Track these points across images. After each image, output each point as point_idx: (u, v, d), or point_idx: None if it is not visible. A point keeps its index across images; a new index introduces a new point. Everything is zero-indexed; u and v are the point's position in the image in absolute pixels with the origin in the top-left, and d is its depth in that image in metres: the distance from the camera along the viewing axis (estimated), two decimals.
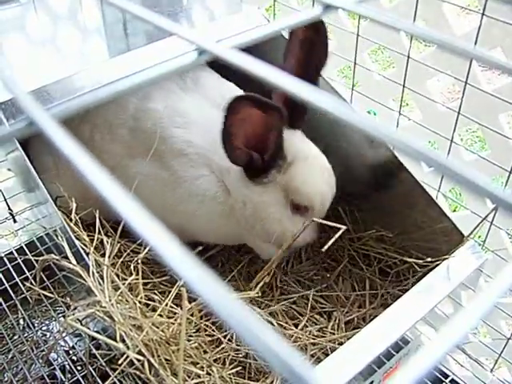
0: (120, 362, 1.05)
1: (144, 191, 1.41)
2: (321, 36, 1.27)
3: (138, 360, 1.02)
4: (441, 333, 0.27)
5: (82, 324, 1.22)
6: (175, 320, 1.18)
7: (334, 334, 1.38)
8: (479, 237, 1.56)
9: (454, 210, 2.34)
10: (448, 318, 1.43)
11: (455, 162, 0.31)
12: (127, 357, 1.03)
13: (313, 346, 1.32)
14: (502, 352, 1.42)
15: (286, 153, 1.29)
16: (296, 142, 1.33)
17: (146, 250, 1.29)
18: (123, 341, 1.05)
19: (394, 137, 0.33)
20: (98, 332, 1.11)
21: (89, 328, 1.16)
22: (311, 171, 1.32)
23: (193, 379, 1.13)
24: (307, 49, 1.29)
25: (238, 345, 1.30)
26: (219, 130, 1.15)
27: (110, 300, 1.10)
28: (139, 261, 1.28)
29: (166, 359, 1.08)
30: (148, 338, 1.08)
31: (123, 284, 1.17)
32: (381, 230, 1.53)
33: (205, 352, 1.24)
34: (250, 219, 1.36)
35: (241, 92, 1.43)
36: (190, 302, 1.13)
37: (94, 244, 1.25)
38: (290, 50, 1.31)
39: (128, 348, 1.03)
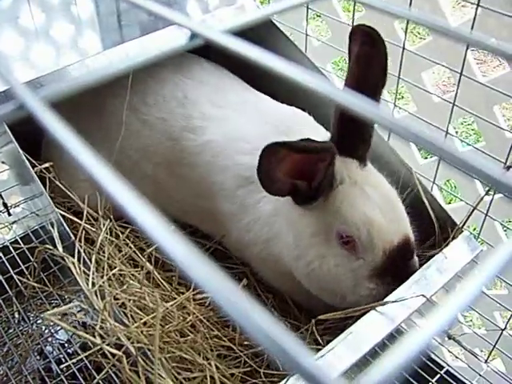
0: (88, 353, 1.05)
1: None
2: (377, 49, 1.15)
3: (113, 355, 1.02)
4: (428, 317, 0.27)
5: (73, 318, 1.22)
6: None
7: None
8: (474, 229, 1.56)
9: (449, 202, 2.35)
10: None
11: (452, 145, 0.31)
12: (100, 348, 1.04)
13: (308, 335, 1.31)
14: (496, 343, 1.42)
15: (336, 178, 1.17)
16: (347, 167, 1.20)
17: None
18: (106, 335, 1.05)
19: (392, 121, 0.33)
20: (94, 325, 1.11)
21: (78, 322, 1.16)
22: (360, 194, 1.17)
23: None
24: (363, 66, 1.17)
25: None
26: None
27: (94, 286, 1.10)
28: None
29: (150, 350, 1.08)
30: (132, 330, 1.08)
31: (110, 273, 1.18)
32: None
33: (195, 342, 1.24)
34: (293, 249, 1.24)
35: (299, 117, 1.40)
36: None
37: (80, 234, 1.25)
38: (349, 68, 1.20)
39: (103, 340, 1.03)
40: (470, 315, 2.08)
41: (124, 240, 1.35)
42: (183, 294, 1.24)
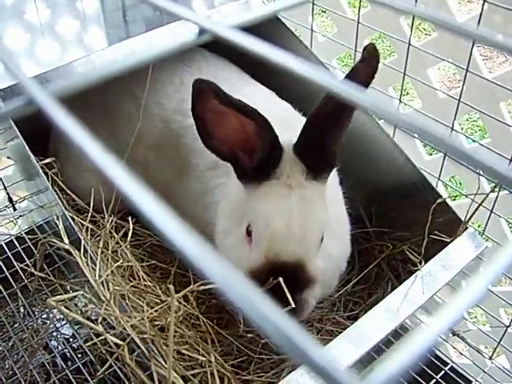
0: (92, 342, 1.06)
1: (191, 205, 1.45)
2: (371, 68, 1.14)
3: (117, 345, 1.03)
4: (435, 315, 0.27)
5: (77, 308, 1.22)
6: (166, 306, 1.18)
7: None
8: (479, 225, 1.56)
9: (454, 199, 2.34)
10: None
11: (457, 139, 0.31)
12: (104, 338, 1.04)
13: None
14: (500, 340, 1.42)
15: (277, 171, 1.16)
16: (293, 170, 1.17)
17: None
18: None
19: (398, 116, 0.33)
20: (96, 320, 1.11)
21: (85, 313, 1.17)
22: (281, 200, 1.14)
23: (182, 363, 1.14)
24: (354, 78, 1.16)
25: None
26: None
27: (101, 277, 1.11)
28: (127, 246, 1.29)
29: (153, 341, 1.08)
30: (136, 321, 1.08)
31: (114, 266, 1.19)
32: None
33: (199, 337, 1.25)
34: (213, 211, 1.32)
35: (289, 113, 1.42)
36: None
37: (86, 227, 1.26)
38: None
39: (107, 331, 1.03)
40: (475, 312, 2.07)
41: (122, 238, 1.35)
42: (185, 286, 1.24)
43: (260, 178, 1.17)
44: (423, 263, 1.25)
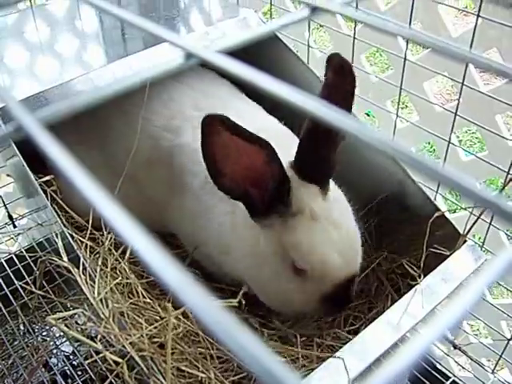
0: (92, 359, 1.06)
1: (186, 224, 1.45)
2: (348, 80, 1.20)
3: (116, 363, 1.03)
4: (427, 322, 0.28)
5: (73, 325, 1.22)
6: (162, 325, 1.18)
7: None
8: (479, 238, 1.56)
9: (454, 211, 2.34)
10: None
11: (449, 169, 0.31)
12: (104, 356, 1.05)
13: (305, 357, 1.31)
14: (502, 353, 1.42)
15: (293, 201, 1.17)
16: (308, 194, 1.20)
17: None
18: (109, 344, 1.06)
19: (389, 144, 0.33)
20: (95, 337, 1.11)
21: (84, 330, 1.17)
22: (317, 232, 1.17)
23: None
24: (334, 93, 1.20)
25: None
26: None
27: (100, 295, 1.11)
28: (125, 263, 1.29)
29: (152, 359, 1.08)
30: (135, 338, 1.08)
31: (113, 283, 1.19)
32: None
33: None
34: (248, 261, 1.27)
35: (278, 130, 1.41)
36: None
37: (85, 244, 1.26)
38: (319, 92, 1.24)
39: (107, 349, 1.03)
40: (477, 325, 2.06)
41: (121, 255, 1.35)
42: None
43: (274, 210, 1.18)
44: (422, 277, 1.25)
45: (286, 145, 1.23)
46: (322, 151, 1.19)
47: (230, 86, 1.56)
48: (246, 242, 1.28)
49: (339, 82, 1.19)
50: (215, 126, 1.04)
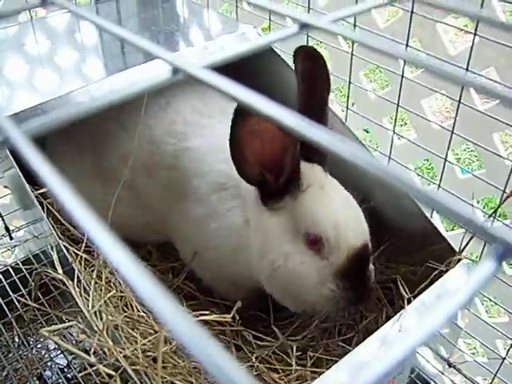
0: (86, 372, 1.06)
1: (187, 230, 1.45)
2: (318, 64, 1.26)
3: (110, 376, 1.03)
4: (408, 329, 0.28)
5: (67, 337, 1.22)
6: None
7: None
8: (477, 256, 1.55)
9: (452, 229, 2.34)
10: (443, 336, 1.42)
11: (439, 193, 0.32)
12: (97, 369, 1.04)
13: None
14: (497, 372, 1.41)
15: (302, 180, 1.22)
16: (314, 172, 1.26)
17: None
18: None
19: (381, 168, 0.33)
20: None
21: (78, 343, 1.17)
22: (327, 199, 1.22)
23: None
24: (308, 81, 1.28)
25: None
26: None
27: (94, 307, 1.11)
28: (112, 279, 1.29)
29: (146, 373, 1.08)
30: (129, 352, 1.08)
31: (107, 296, 1.19)
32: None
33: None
34: (260, 251, 1.27)
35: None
36: None
37: (80, 257, 1.26)
38: (297, 89, 1.30)
39: (100, 361, 1.03)
40: (473, 343, 2.05)
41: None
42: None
43: (286, 192, 1.22)
44: (412, 300, 1.25)
45: None
46: None
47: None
48: (257, 234, 1.28)
49: (313, 68, 1.26)
50: (247, 114, 1.07)
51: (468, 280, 0.31)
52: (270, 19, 1.74)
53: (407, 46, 1.37)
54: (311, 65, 1.25)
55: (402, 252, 1.50)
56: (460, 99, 1.27)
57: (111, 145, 1.53)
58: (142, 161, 1.46)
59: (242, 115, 1.08)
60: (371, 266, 1.26)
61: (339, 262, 1.19)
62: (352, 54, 1.48)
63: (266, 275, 1.28)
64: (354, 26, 1.48)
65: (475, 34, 1.21)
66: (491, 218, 1.36)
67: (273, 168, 1.19)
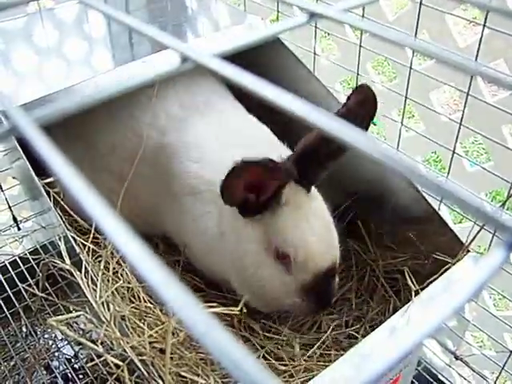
0: (93, 363, 1.06)
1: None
2: (369, 110, 1.23)
3: (117, 366, 1.03)
4: (412, 323, 0.28)
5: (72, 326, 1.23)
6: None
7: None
8: (484, 249, 1.55)
9: (460, 222, 2.33)
10: (450, 329, 1.42)
11: (449, 183, 0.31)
12: (105, 359, 1.05)
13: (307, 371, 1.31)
14: (504, 365, 1.41)
15: (282, 196, 1.22)
16: (295, 191, 1.25)
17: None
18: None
19: (391, 157, 0.33)
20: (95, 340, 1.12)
21: (85, 333, 1.17)
22: (301, 220, 1.22)
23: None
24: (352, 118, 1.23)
25: None
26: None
27: (101, 298, 1.11)
28: (127, 267, 1.29)
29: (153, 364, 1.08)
30: (136, 342, 1.08)
31: (114, 287, 1.19)
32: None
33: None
34: (232, 255, 1.29)
35: (260, 132, 1.43)
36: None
37: (88, 247, 1.27)
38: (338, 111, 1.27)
39: (108, 352, 1.04)
40: (481, 336, 2.05)
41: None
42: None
43: (267, 208, 1.22)
44: (420, 292, 1.25)
45: (262, 146, 1.32)
46: (322, 159, 1.24)
47: (223, 91, 1.54)
48: (231, 240, 1.29)
49: (362, 113, 1.22)
50: (244, 171, 1.08)
51: (476, 270, 0.31)
52: (277, 10, 1.73)
53: (416, 37, 1.36)
54: (362, 111, 1.23)
55: (408, 243, 1.50)
56: (468, 91, 1.26)
57: (100, 133, 1.51)
58: (128, 152, 1.43)
59: (241, 171, 1.08)
60: (336, 279, 1.29)
61: (305, 279, 1.22)
62: (360, 46, 1.47)
63: (237, 278, 1.31)
64: (363, 17, 1.47)
65: (484, 26, 1.20)
66: (500, 210, 1.36)
67: (256, 191, 1.19)
